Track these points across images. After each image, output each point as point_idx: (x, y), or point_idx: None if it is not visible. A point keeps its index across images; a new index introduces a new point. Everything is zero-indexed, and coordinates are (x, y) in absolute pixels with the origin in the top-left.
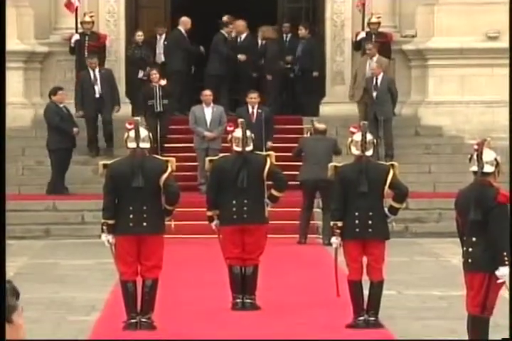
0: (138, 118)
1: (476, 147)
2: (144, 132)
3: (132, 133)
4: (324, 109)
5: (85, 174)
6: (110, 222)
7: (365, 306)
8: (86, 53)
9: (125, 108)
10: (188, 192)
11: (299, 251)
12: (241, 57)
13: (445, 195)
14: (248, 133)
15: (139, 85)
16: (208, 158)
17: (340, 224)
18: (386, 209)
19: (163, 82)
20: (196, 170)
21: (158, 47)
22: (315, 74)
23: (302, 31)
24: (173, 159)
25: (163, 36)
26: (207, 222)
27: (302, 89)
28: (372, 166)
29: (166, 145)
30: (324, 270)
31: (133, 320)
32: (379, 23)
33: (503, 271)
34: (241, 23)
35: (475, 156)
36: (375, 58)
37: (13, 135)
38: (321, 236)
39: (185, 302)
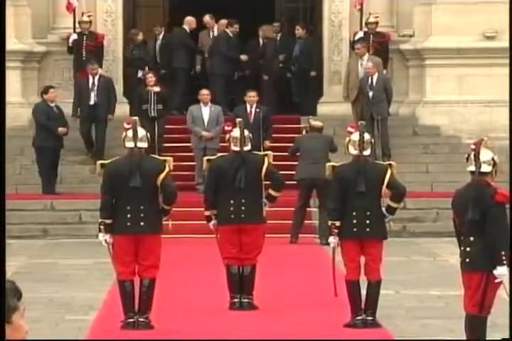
0: (136, 117)
1: (473, 147)
2: (141, 132)
3: (130, 133)
4: (322, 108)
5: (82, 174)
6: (108, 221)
7: (362, 306)
8: (84, 53)
9: (123, 108)
10: (185, 191)
11: (297, 251)
12: (243, 57)
13: (443, 194)
14: (246, 132)
15: (138, 85)
16: (205, 158)
17: (338, 223)
18: (384, 209)
19: (157, 89)
20: (194, 169)
21: (156, 47)
22: (312, 73)
23: (299, 31)
24: (171, 159)
25: (160, 36)
26: (205, 222)
27: (300, 89)
28: (369, 166)
29: (163, 145)
30: (322, 270)
31: (131, 320)
32: (377, 23)
33: (501, 271)
34: (223, 23)
35: (472, 156)
36: (365, 57)
37: (11, 134)
38: (318, 236)
39: (183, 302)
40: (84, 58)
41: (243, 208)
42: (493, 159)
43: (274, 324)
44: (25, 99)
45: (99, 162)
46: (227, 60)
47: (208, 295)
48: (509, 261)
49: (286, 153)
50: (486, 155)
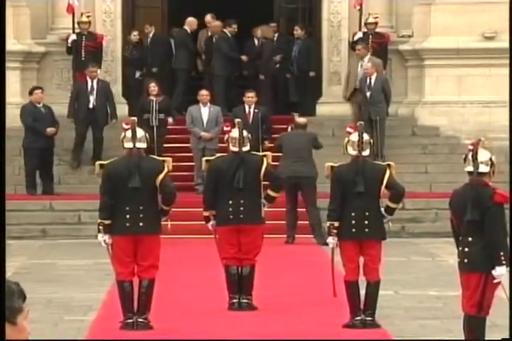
0: (134, 118)
1: (470, 147)
2: (140, 132)
3: (129, 133)
4: (320, 109)
5: (81, 174)
6: (107, 222)
7: (361, 306)
8: (83, 53)
9: (122, 108)
10: (184, 192)
11: (295, 251)
12: (243, 57)
13: (441, 195)
14: (245, 133)
15: (137, 85)
16: (204, 158)
17: (336, 224)
18: (383, 210)
19: (160, 98)
20: (193, 170)
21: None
22: (311, 74)
23: (298, 31)
24: (170, 159)
25: (151, 35)
26: (203, 222)
27: (299, 89)
28: (368, 166)
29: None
30: (320, 270)
31: (130, 320)
32: (376, 23)
33: (499, 271)
34: (217, 24)
35: (470, 156)
36: (366, 58)
37: (10, 135)
38: (313, 236)
39: (182, 303)
40: (83, 58)
41: (242, 208)
42: (490, 159)
43: (273, 324)
44: (24, 100)
45: (98, 162)
46: (228, 61)
47: (207, 295)
48: (508, 261)
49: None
50: (483, 155)
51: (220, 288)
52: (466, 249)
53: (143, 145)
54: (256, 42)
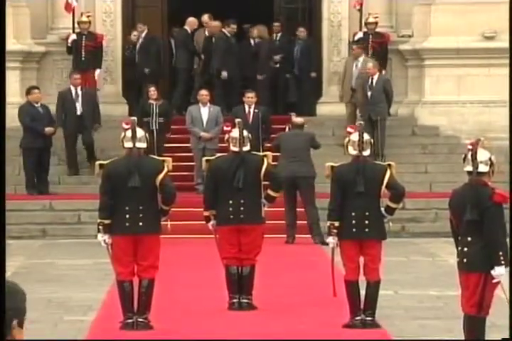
0: (134, 117)
1: (470, 147)
2: (140, 132)
3: (129, 133)
4: (321, 109)
5: (81, 174)
6: (106, 221)
7: (361, 306)
8: (83, 53)
9: (122, 108)
10: (184, 192)
11: (295, 251)
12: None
13: (441, 194)
14: (245, 133)
15: (138, 85)
16: (204, 158)
17: (337, 224)
18: (383, 209)
19: (159, 102)
20: (193, 170)
21: (137, 46)
22: (313, 74)
23: (302, 33)
24: (170, 159)
25: (143, 34)
26: (203, 222)
27: (299, 90)
28: (369, 166)
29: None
30: (320, 270)
31: (130, 320)
32: (376, 23)
33: (499, 271)
34: (216, 24)
35: (469, 156)
36: (360, 58)
37: (10, 135)
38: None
39: (182, 302)
40: (83, 58)
41: (242, 208)
42: (490, 159)
43: (274, 324)
44: (24, 100)
45: (97, 162)
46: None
47: (207, 295)
48: (507, 261)
49: None
50: (483, 155)
51: (220, 288)
52: (466, 249)
53: (143, 145)
54: (252, 42)
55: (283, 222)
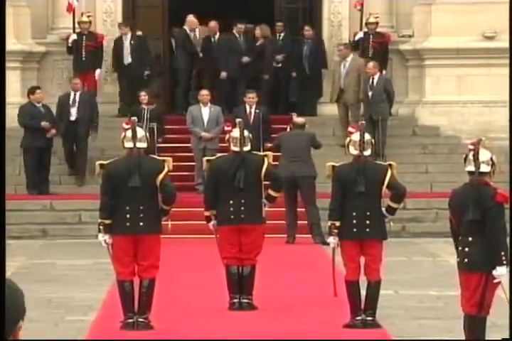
0: (135, 118)
1: (471, 147)
2: (140, 132)
3: (129, 133)
4: (321, 108)
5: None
6: (107, 221)
7: (362, 306)
8: (83, 53)
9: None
10: (184, 192)
11: (296, 251)
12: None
13: (442, 194)
14: (246, 133)
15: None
16: (205, 158)
17: (337, 223)
18: (384, 209)
19: (151, 107)
20: (193, 170)
21: (125, 48)
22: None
23: (309, 32)
24: (170, 159)
25: (129, 36)
26: (204, 222)
27: (307, 89)
28: (370, 166)
29: (162, 145)
30: (321, 270)
31: (130, 320)
32: (377, 23)
33: (500, 271)
34: (214, 24)
35: (471, 156)
36: (348, 59)
37: (11, 135)
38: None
39: (183, 302)
40: (84, 58)
41: (243, 208)
42: (491, 159)
43: (274, 324)
44: (24, 100)
45: (98, 162)
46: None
47: (208, 295)
48: (508, 261)
49: None
50: (484, 155)
51: (220, 288)
52: (467, 249)
53: (143, 144)
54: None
55: (283, 222)
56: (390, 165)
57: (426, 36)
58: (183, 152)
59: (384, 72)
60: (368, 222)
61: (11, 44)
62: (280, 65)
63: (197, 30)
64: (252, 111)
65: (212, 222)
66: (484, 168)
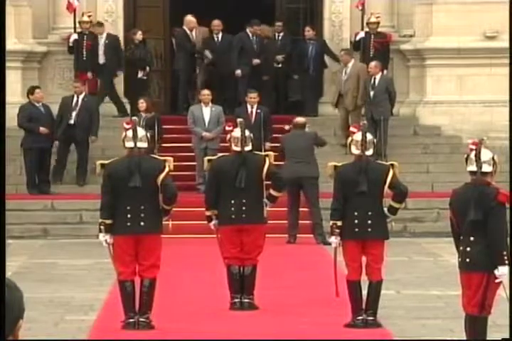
0: (135, 117)
1: (473, 147)
2: (141, 132)
3: (130, 133)
4: (322, 108)
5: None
6: (108, 221)
7: (363, 306)
8: (84, 53)
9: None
10: (185, 191)
11: (297, 251)
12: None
13: (443, 194)
14: (247, 133)
15: (139, 85)
16: (206, 158)
17: (339, 223)
18: (385, 209)
19: (149, 115)
20: (194, 169)
21: (100, 48)
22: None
23: (309, 32)
24: (171, 159)
25: (104, 35)
26: (205, 222)
27: (310, 89)
28: (372, 166)
29: (163, 144)
30: (322, 269)
31: (131, 320)
32: (378, 23)
33: (502, 271)
34: (217, 23)
35: (472, 156)
36: (350, 64)
37: (12, 134)
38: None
39: (184, 302)
40: (84, 58)
41: (244, 208)
42: (493, 159)
43: (275, 324)
44: (25, 100)
45: (98, 162)
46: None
47: (209, 295)
48: (510, 261)
49: None
50: (486, 155)
51: (221, 288)
52: (468, 249)
53: (144, 144)
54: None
55: (285, 221)
56: (392, 165)
57: (427, 36)
58: (184, 152)
59: (385, 71)
60: (369, 221)
61: (12, 44)
62: (280, 65)
63: (194, 30)
64: (254, 111)
65: (214, 222)
66: (486, 168)
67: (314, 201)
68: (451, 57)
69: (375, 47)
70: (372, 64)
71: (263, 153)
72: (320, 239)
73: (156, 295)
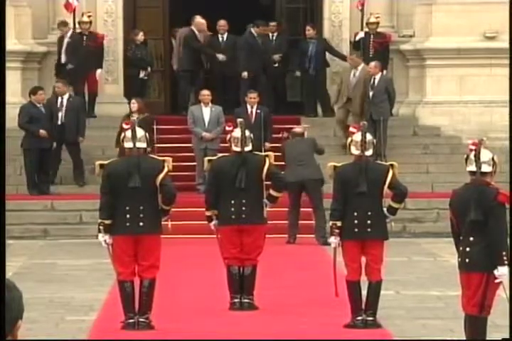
0: (135, 118)
1: (472, 147)
2: (140, 132)
3: (129, 133)
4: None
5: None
6: (107, 222)
7: (363, 306)
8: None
9: (123, 108)
10: (185, 192)
11: (297, 251)
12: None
13: (443, 195)
14: (247, 133)
15: (140, 85)
16: (206, 158)
17: (339, 223)
18: (385, 210)
19: (142, 116)
20: (193, 170)
21: (63, 47)
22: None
23: (310, 31)
24: (170, 159)
25: (69, 34)
26: (205, 222)
27: (311, 89)
28: (371, 166)
29: (163, 145)
30: (322, 270)
31: (131, 320)
32: (377, 23)
33: (502, 271)
34: (223, 23)
35: (472, 156)
36: (359, 67)
37: (11, 135)
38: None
39: (183, 302)
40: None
41: (244, 208)
42: (493, 159)
43: (275, 324)
44: (25, 100)
45: (98, 162)
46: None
47: (209, 295)
48: (510, 261)
49: None
50: (486, 155)
51: (221, 288)
52: (468, 249)
53: (143, 144)
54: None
55: (285, 221)
56: (392, 165)
57: (427, 36)
58: (183, 152)
59: (385, 72)
60: (369, 221)
61: (12, 44)
62: (277, 64)
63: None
64: (254, 111)
65: (214, 222)
66: (486, 168)
67: (318, 203)
68: (451, 58)
69: (375, 47)
70: (372, 64)
71: (263, 154)
72: (322, 241)
73: (156, 295)
